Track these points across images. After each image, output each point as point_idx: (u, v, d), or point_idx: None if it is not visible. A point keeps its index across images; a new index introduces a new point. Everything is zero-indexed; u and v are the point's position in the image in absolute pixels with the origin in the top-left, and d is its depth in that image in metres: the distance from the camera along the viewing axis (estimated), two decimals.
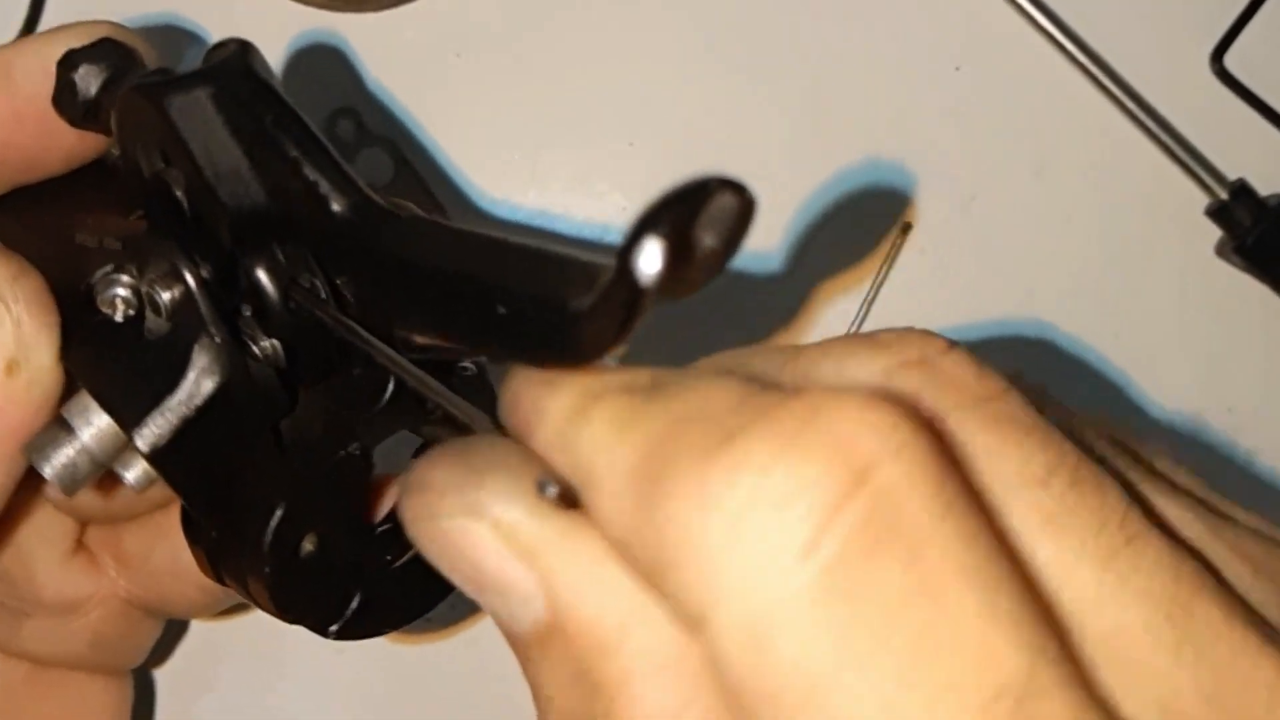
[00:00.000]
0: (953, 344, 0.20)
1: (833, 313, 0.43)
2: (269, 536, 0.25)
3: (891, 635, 0.16)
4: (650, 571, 0.18)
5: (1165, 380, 0.45)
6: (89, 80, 0.27)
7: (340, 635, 0.27)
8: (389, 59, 0.42)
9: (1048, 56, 0.43)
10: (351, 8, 0.42)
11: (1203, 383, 0.45)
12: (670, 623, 0.18)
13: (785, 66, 0.43)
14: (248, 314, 0.26)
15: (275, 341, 0.25)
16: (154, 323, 0.25)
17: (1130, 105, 0.43)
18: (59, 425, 0.26)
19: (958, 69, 0.43)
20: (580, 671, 0.19)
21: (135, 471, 0.26)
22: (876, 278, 0.43)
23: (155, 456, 0.25)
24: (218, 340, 0.25)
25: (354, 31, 0.42)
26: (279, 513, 0.25)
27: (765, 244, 0.43)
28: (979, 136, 0.44)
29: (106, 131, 0.27)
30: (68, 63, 0.27)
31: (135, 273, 0.26)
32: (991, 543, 0.17)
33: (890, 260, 0.43)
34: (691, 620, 0.17)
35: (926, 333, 0.21)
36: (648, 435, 0.18)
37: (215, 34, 0.41)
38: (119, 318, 0.26)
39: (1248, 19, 0.43)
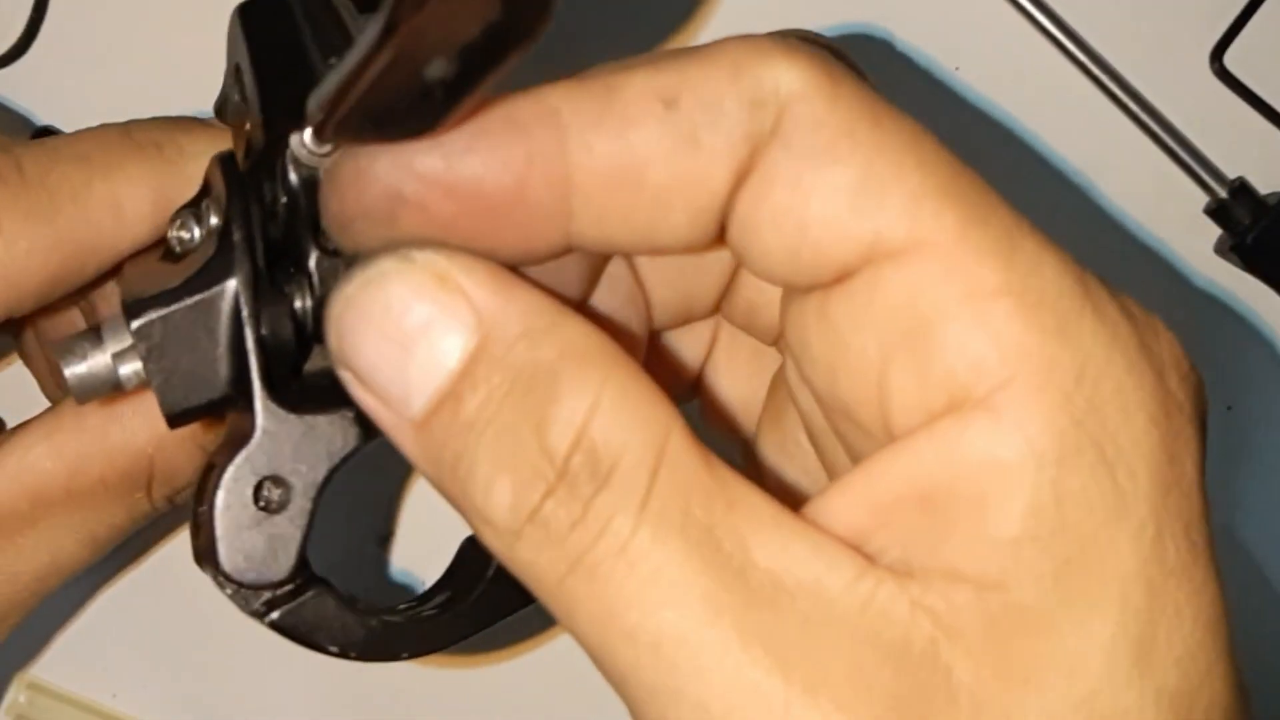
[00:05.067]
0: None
1: None
2: (232, 466, 0.25)
3: None
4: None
5: None
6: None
7: (280, 626, 0.26)
8: None
9: (1048, 55, 0.43)
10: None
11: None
12: (583, 322, 0.21)
13: None
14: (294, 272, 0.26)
15: (309, 304, 0.26)
16: (201, 247, 0.27)
17: (1130, 104, 0.43)
18: (91, 332, 0.27)
19: (957, 69, 0.44)
20: (514, 372, 0.21)
21: (128, 368, 0.27)
22: None
23: (138, 332, 0.26)
24: (240, 255, 0.26)
25: None
26: (252, 441, 0.25)
27: None
28: (979, 136, 0.44)
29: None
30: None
31: (201, 208, 0.27)
32: None
33: None
34: None
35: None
36: None
37: (219, 35, 0.41)
38: (177, 249, 0.27)
39: (1247, 18, 0.43)
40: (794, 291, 0.23)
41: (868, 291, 0.21)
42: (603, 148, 0.21)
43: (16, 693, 0.42)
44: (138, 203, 0.29)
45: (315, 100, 0.22)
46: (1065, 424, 0.20)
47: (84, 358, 0.27)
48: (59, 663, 0.42)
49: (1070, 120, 0.44)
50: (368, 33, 0.19)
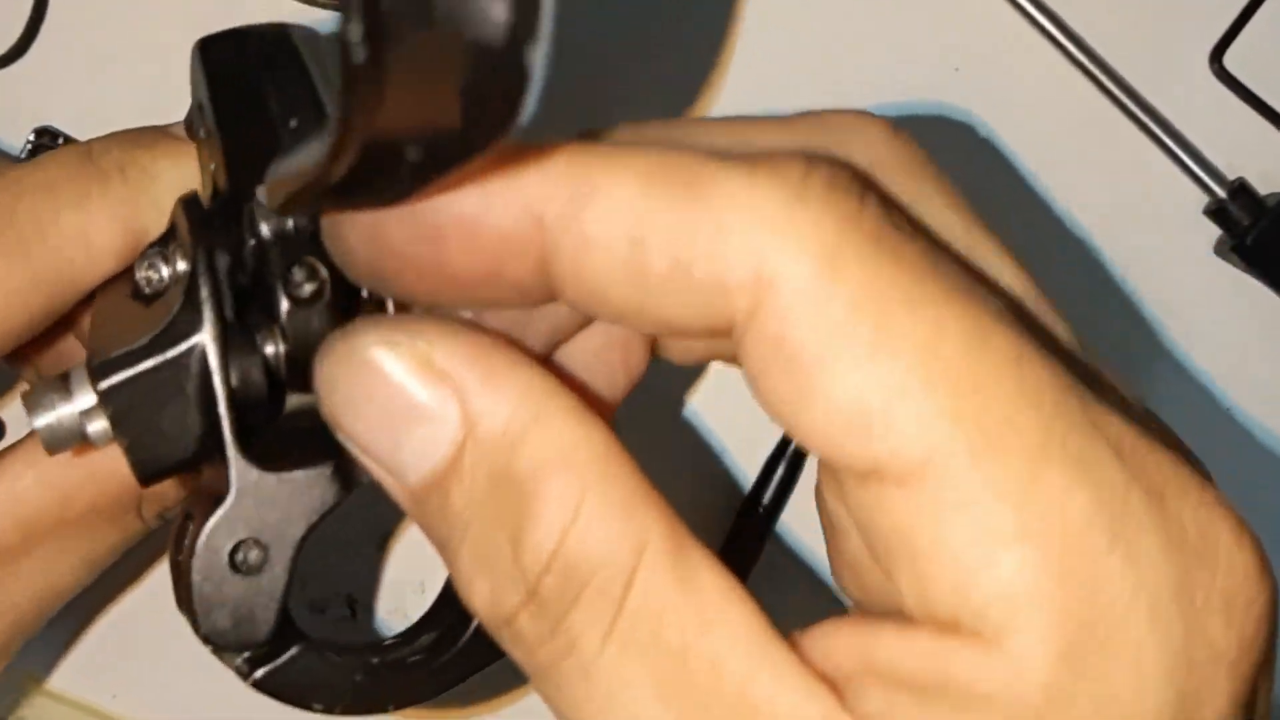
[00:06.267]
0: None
1: None
2: (206, 531, 0.24)
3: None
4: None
5: (1164, 380, 0.45)
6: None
7: (264, 686, 0.26)
8: None
9: (1047, 56, 0.43)
10: None
11: (1201, 383, 0.45)
12: (570, 416, 0.20)
13: (785, 65, 0.43)
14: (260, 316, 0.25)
15: (282, 350, 0.25)
16: (169, 293, 0.26)
17: (1129, 104, 0.43)
18: (60, 382, 0.26)
19: (957, 69, 0.44)
20: (495, 476, 0.20)
21: (96, 426, 0.25)
22: None
23: (105, 395, 0.25)
24: (207, 311, 0.25)
25: None
26: (226, 503, 0.24)
27: None
28: (979, 136, 0.44)
29: None
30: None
31: (169, 250, 0.26)
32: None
33: None
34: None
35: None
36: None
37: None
38: (146, 290, 0.26)
39: (1247, 18, 0.44)
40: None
41: (875, 505, 0.20)
42: (568, 246, 0.20)
43: (16, 694, 0.42)
44: (107, 235, 0.28)
45: (270, 183, 0.22)
46: (1064, 680, 0.19)
47: (52, 409, 0.26)
48: (58, 664, 0.42)
49: (1070, 120, 0.44)
50: (315, 145, 0.18)
